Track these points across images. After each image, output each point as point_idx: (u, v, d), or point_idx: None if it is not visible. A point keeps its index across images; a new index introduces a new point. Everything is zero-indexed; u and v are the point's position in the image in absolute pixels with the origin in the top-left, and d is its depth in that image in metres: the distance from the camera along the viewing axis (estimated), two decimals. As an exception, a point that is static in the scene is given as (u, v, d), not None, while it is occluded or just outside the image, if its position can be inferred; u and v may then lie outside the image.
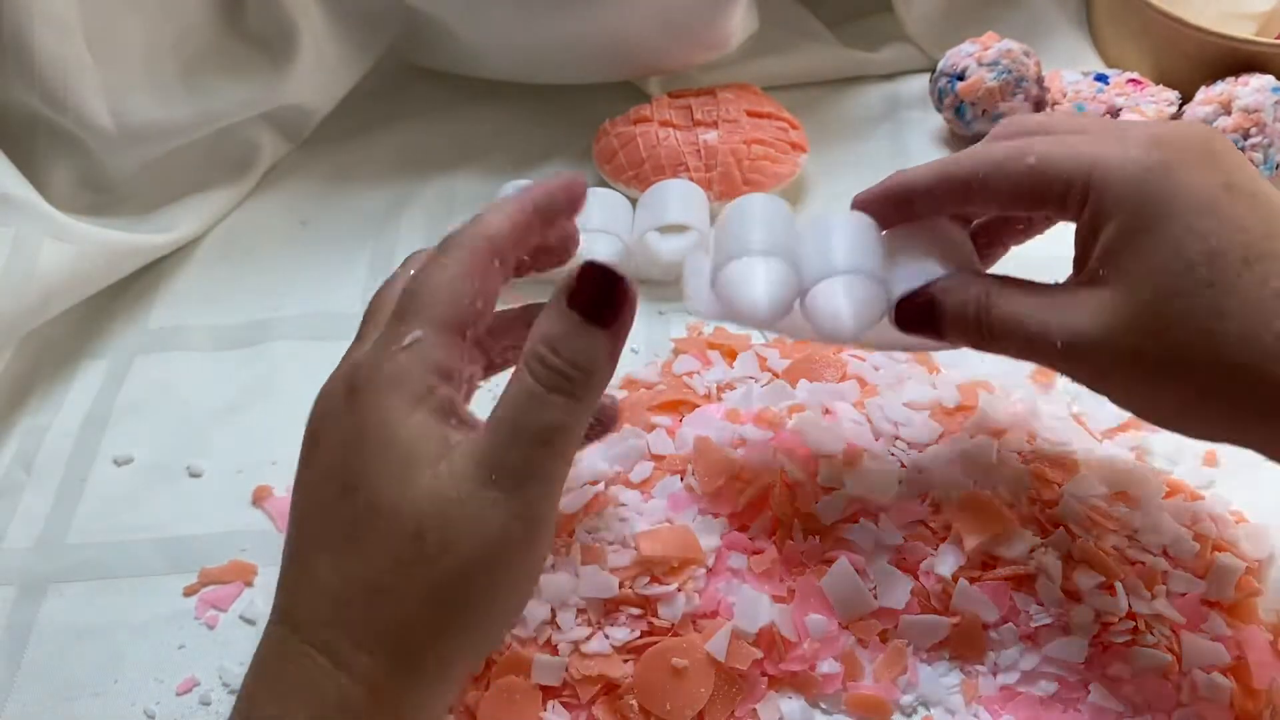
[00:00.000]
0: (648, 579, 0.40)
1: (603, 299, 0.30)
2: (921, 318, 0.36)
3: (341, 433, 0.31)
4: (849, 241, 0.37)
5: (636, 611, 0.40)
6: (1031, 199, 0.34)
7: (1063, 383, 0.48)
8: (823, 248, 0.37)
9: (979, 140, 0.60)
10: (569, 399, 0.30)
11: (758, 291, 0.37)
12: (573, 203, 0.36)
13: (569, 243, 0.38)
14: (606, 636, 0.39)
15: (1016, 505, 0.41)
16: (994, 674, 0.38)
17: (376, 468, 0.30)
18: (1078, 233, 0.34)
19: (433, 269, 0.32)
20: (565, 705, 0.38)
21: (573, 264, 0.33)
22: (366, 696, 0.29)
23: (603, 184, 0.59)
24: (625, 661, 0.38)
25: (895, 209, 0.38)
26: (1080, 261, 0.34)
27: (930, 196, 0.37)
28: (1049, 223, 0.39)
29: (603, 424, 0.40)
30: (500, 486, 0.29)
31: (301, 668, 0.30)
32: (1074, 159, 0.33)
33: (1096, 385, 0.34)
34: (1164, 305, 0.31)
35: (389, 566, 0.29)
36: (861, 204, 0.38)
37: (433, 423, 0.30)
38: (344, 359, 0.34)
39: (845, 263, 0.36)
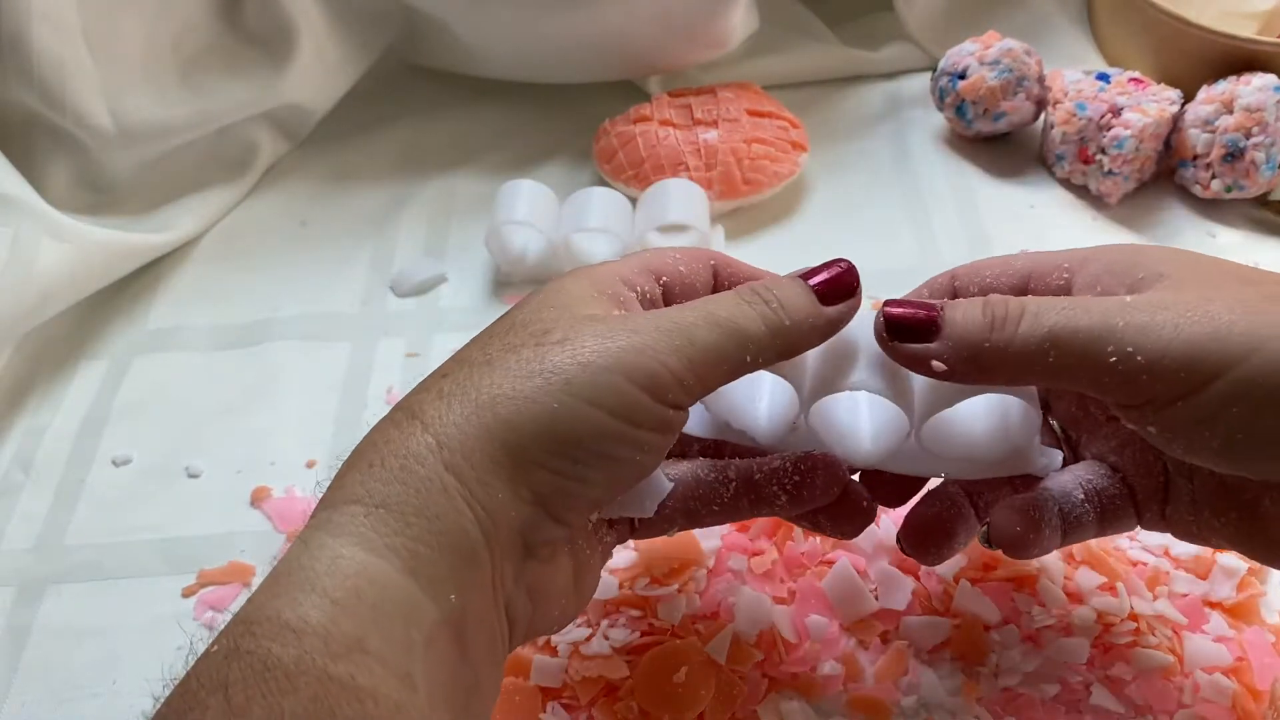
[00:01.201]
0: (648, 580, 0.40)
1: (840, 288, 0.32)
2: (918, 328, 0.31)
3: (538, 299, 0.32)
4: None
5: (636, 613, 0.39)
6: (1020, 283, 0.33)
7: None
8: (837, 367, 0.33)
9: (980, 139, 0.61)
10: (765, 321, 0.31)
11: (760, 409, 0.35)
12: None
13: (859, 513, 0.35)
14: (606, 638, 0.39)
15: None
16: (995, 675, 0.38)
17: (558, 298, 0.31)
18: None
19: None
20: (565, 706, 0.38)
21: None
22: (433, 446, 0.28)
23: (603, 184, 0.59)
24: (626, 662, 0.38)
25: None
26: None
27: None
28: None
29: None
30: (674, 351, 0.29)
31: (379, 429, 0.30)
32: (1067, 253, 0.33)
33: (1157, 387, 0.29)
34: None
35: (504, 345, 0.30)
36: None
37: (606, 297, 0.31)
38: None
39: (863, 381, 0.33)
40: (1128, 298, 0.30)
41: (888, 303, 0.32)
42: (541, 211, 0.54)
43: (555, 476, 0.29)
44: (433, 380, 0.31)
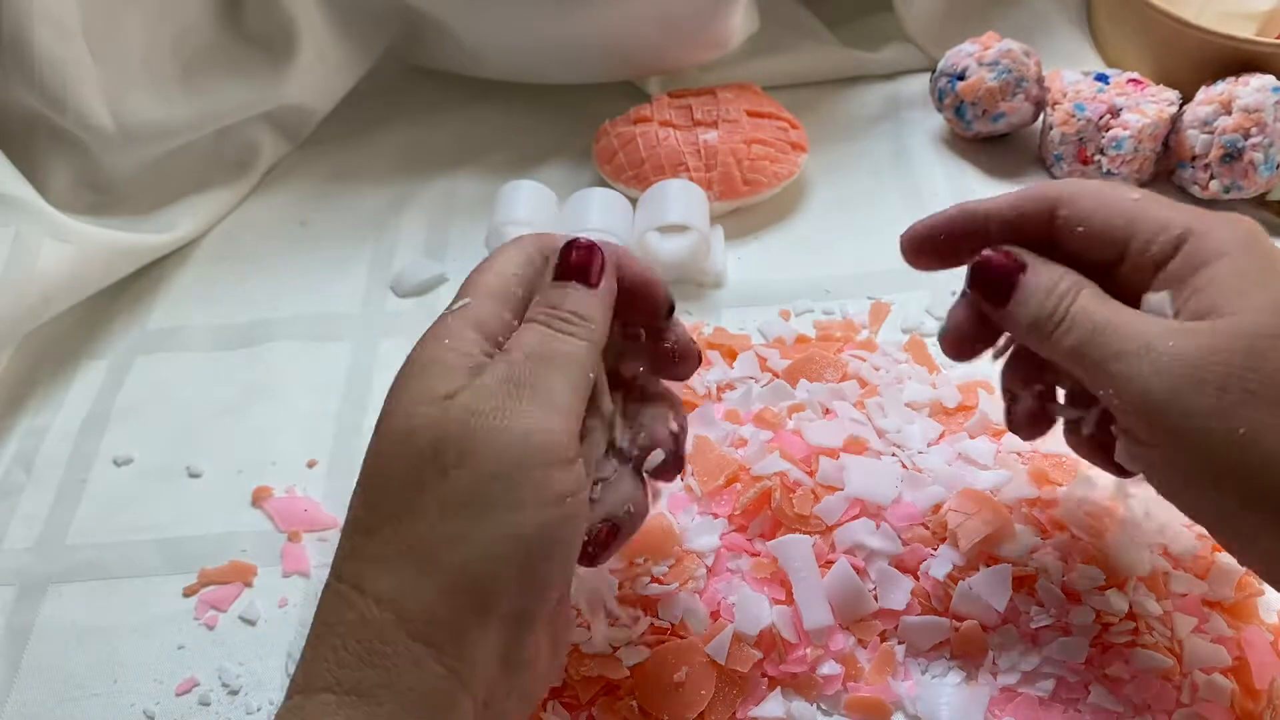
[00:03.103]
0: (648, 579, 0.40)
1: (585, 266, 0.34)
2: (1000, 276, 0.35)
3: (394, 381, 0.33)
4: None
5: (636, 612, 0.39)
6: (1115, 236, 0.34)
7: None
8: None
9: (979, 140, 0.61)
10: (574, 338, 0.33)
11: None
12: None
13: (684, 354, 0.38)
14: (606, 637, 0.39)
15: (1016, 505, 0.41)
16: (994, 675, 0.38)
17: (403, 398, 0.31)
18: (1166, 274, 0.33)
19: (490, 258, 0.35)
20: (565, 705, 0.38)
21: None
22: (393, 622, 0.29)
23: (603, 184, 0.59)
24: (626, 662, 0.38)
25: (967, 237, 0.37)
26: None
27: (1010, 220, 0.36)
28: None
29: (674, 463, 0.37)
30: (529, 404, 0.31)
31: (328, 605, 0.30)
32: (1178, 212, 0.33)
33: (1147, 415, 0.32)
34: (1269, 343, 0.30)
35: (409, 485, 0.30)
36: (925, 233, 0.38)
37: (462, 360, 0.32)
38: None
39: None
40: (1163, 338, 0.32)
41: (991, 251, 0.35)
42: (541, 212, 0.54)
43: (522, 592, 0.30)
44: (361, 541, 0.31)
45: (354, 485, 0.32)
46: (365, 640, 0.29)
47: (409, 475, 0.30)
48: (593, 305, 0.34)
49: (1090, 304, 0.33)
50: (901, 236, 0.38)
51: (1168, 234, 0.33)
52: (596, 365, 0.34)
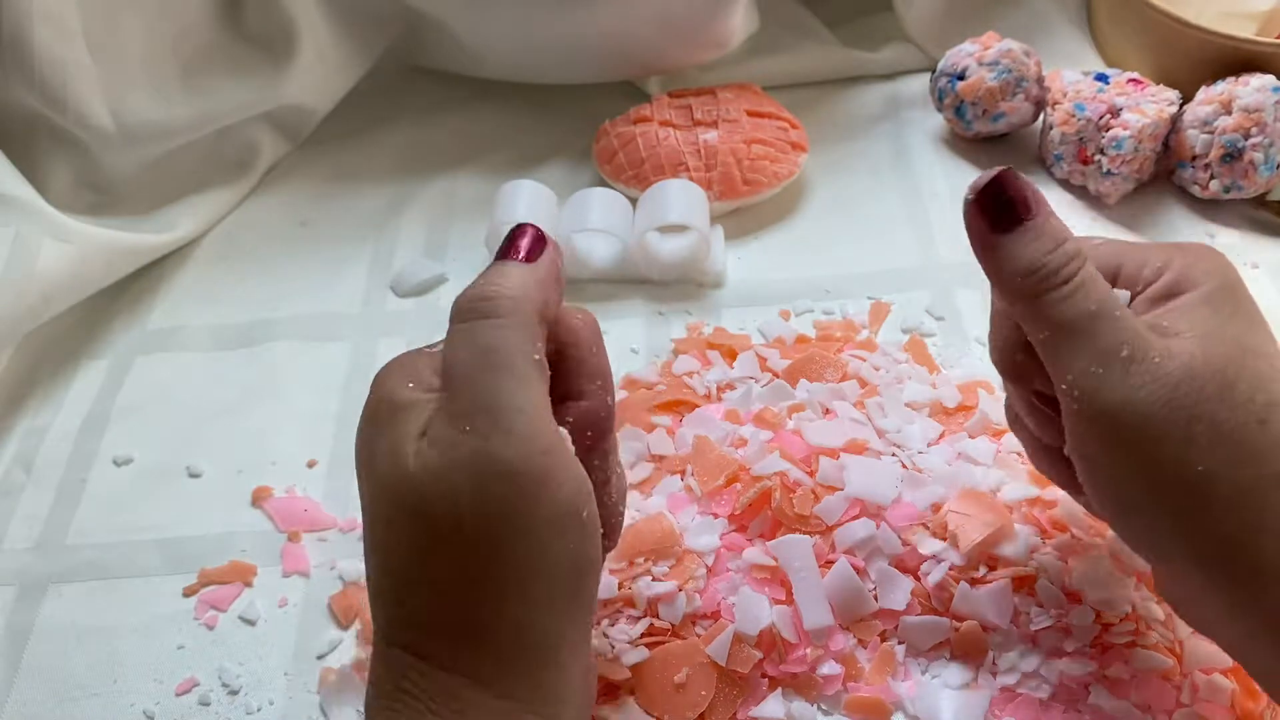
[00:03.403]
0: (649, 579, 0.40)
1: (512, 243, 0.34)
2: (1017, 197, 0.32)
3: (364, 411, 0.32)
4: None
5: (636, 612, 0.39)
6: (1108, 267, 0.34)
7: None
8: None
9: (979, 140, 0.61)
10: (490, 319, 0.31)
11: None
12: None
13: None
14: (606, 636, 0.39)
15: (1017, 505, 0.41)
16: (994, 675, 0.38)
17: (380, 444, 0.31)
18: (1145, 297, 0.33)
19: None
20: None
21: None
22: (466, 683, 0.29)
23: (603, 184, 0.59)
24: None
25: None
26: None
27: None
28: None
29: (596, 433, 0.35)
30: (488, 428, 0.29)
31: (388, 670, 0.30)
32: (1159, 250, 0.34)
33: (1113, 431, 0.31)
34: (1239, 372, 0.30)
35: (420, 551, 0.30)
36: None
37: (408, 391, 0.31)
38: None
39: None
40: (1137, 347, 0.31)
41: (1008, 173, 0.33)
42: (541, 211, 0.54)
43: (573, 623, 0.32)
44: (399, 615, 0.30)
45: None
46: (439, 700, 0.29)
47: (413, 541, 0.30)
48: (508, 278, 0.32)
49: (1096, 280, 0.32)
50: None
51: (1151, 266, 0.33)
52: (537, 335, 0.32)
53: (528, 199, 0.54)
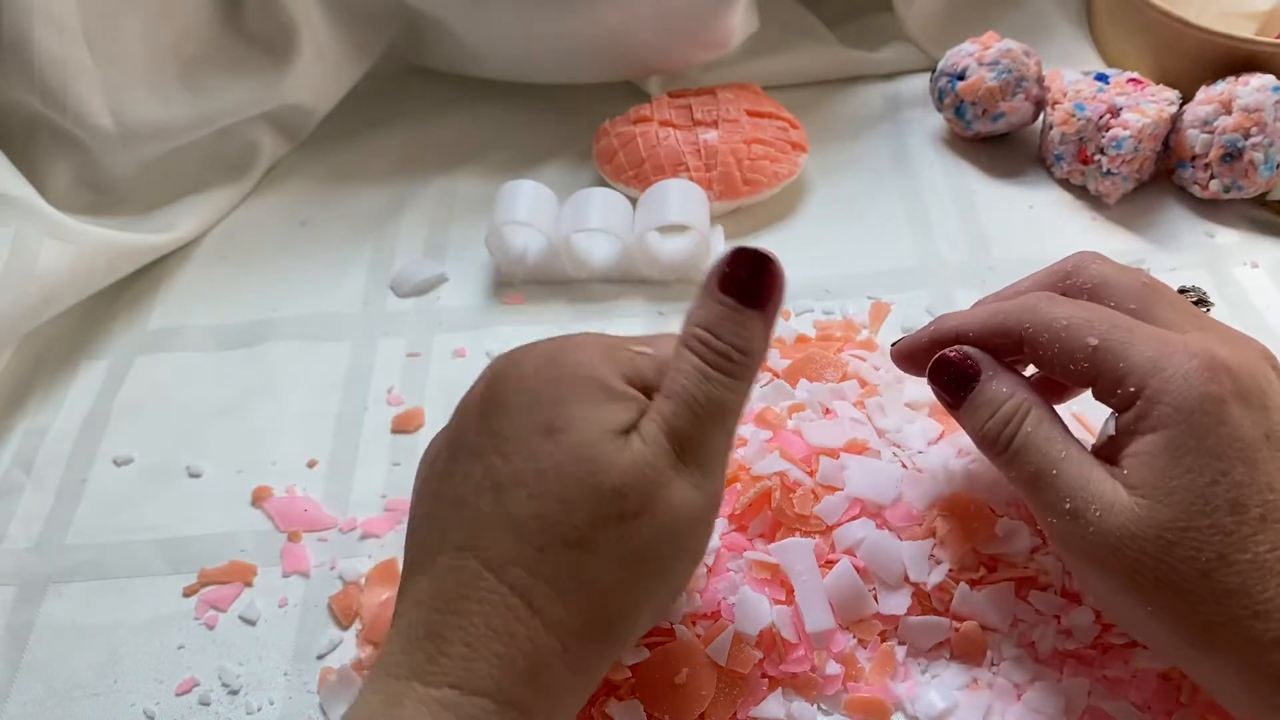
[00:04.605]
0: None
1: (753, 282, 0.33)
2: (954, 376, 0.36)
3: (551, 376, 0.33)
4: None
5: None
6: (1079, 377, 0.34)
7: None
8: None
9: (979, 140, 0.61)
10: (734, 379, 0.33)
11: None
12: None
13: None
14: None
15: (1016, 505, 0.41)
16: (994, 675, 0.38)
17: (584, 416, 0.32)
18: (1118, 423, 0.34)
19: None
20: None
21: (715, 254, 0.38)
22: (559, 650, 0.30)
23: (603, 184, 0.59)
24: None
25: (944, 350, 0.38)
26: (1109, 445, 0.34)
27: (979, 345, 0.37)
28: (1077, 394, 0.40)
29: None
30: (691, 465, 0.32)
31: (493, 607, 0.30)
32: (1138, 358, 0.33)
33: (1078, 565, 0.35)
34: (1180, 534, 0.31)
35: (588, 520, 0.31)
36: (907, 350, 0.39)
37: (624, 385, 0.33)
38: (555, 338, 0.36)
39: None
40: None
41: (952, 352, 0.37)
42: (542, 211, 0.54)
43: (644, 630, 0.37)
44: (534, 556, 0.31)
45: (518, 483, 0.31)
46: (533, 660, 0.30)
47: (589, 508, 0.31)
48: (756, 336, 0.33)
49: (1034, 437, 0.34)
50: (891, 350, 0.41)
51: (1124, 389, 0.33)
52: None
53: (528, 199, 0.54)
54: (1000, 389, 0.35)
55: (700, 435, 0.32)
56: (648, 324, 0.53)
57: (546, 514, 0.31)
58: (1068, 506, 0.33)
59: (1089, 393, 0.35)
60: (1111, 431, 0.34)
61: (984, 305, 0.39)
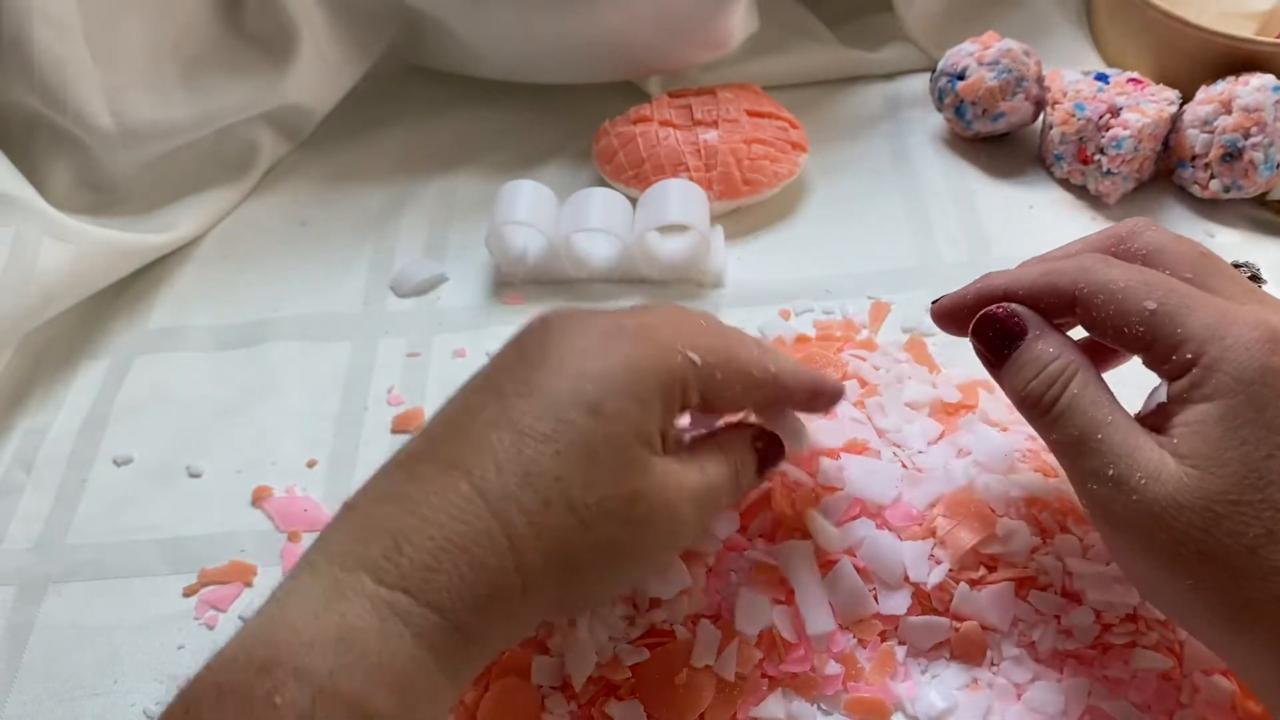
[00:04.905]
0: (648, 579, 0.40)
1: (772, 461, 0.40)
2: (999, 333, 0.35)
3: (603, 357, 0.33)
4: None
5: (636, 612, 0.39)
6: (1133, 341, 0.33)
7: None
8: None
9: (979, 140, 0.61)
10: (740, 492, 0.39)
11: None
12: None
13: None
14: (608, 637, 0.39)
15: (1016, 505, 0.41)
16: (994, 675, 0.38)
17: (634, 411, 0.33)
18: (1170, 391, 0.33)
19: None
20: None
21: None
22: (520, 592, 0.31)
23: (603, 184, 0.59)
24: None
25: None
26: (1157, 415, 0.34)
27: (1027, 305, 0.36)
28: (1126, 359, 0.38)
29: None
30: (698, 508, 0.35)
31: (475, 532, 0.31)
32: (1197, 325, 0.32)
33: (1116, 536, 0.33)
34: (1230, 507, 0.30)
35: (599, 503, 0.32)
36: (949, 308, 0.38)
37: (664, 411, 0.34)
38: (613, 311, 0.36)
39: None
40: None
41: (997, 307, 0.36)
42: (542, 211, 0.54)
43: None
44: (536, 510, 0.31)
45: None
46: (495, 593, 0.31)
47: (605, 493, 0.32)
48: (752, 477, 0.39)
49: (1080, 400, 0.33)
50: (931, 308, 0.39)
51: (1180, 355, 0.32)
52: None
53: (528, 199, 0.54)
54: (1047, 349, 0.34)
55: (716, 500, 0.37)
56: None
57: (567, 478, 0.31)
58: (1111, 473, 0.32)
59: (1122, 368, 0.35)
60: (1162, 398, 0.33)
61: (1033, 264, 0.37)
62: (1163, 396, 0.33)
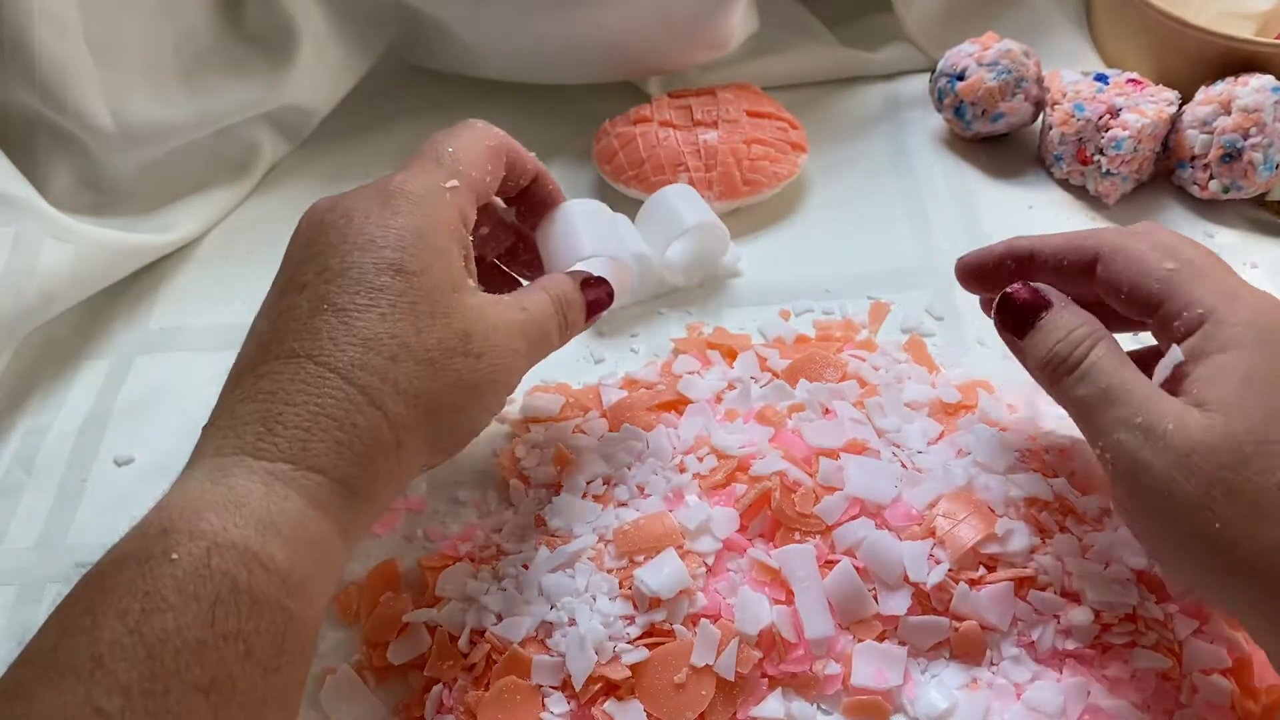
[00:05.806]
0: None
1: (601, 302, 0.43)
2: (1022, 309, 0.37)
3: (388, 224, 0.36)
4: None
5: (635, 612, 0.39)
6: (1145, 300, 0.36)
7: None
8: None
9: (978, 140, 0.61)
10: (570, 329, 0.42)
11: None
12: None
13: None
14: (607, 638, 0.39)
15: (1017, 505, 0.41)
16: (994, 675, 0.38)
17: (437, 264, 0.36)
18: (1185, 348, 0.35)
19: (469, 137, 0.41)
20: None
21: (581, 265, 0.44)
22: (394, 444, 0.34)
23: (603, 184, 0.59)
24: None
25: (1011, 272, 0.40)
26: (1170, 383, 0.35)
27: (1052, 265, 0.39)
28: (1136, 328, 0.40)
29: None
30: (526, 340, 0.38)
31: (336, 401, 0.33)
32: (1210, 289, 0.35)
33: (1140, 491, 0.34)
34: (1257, 446, 0.32)
35: (438, 346, 0.35)
36: (975, 264, 0.41)
37: (461, 253, 0.38)
38: (371, 183, 0.39)
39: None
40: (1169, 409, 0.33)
41: (1020, 285, 0.38)
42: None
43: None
44: (384, 366, 0.34)
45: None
46: (371, 448, 0.33)
47: (440, 336, 0.35)
48: (580, 320, 0.42)
49: (1105, 360, 0.35)
50: (956, 263, 0.42)
51: (1192, 312, 0.34)
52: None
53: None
54: (1073, 318, 0.36)
55: (543, 329, 0.39)
56: (647, 324, 0.53)
57: (401, 334, 0.34)
58: (1139, 420, 0.33)
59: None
60: (1178, 359, 0.34)
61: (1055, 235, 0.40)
62: (1165, 375, 0.35)
